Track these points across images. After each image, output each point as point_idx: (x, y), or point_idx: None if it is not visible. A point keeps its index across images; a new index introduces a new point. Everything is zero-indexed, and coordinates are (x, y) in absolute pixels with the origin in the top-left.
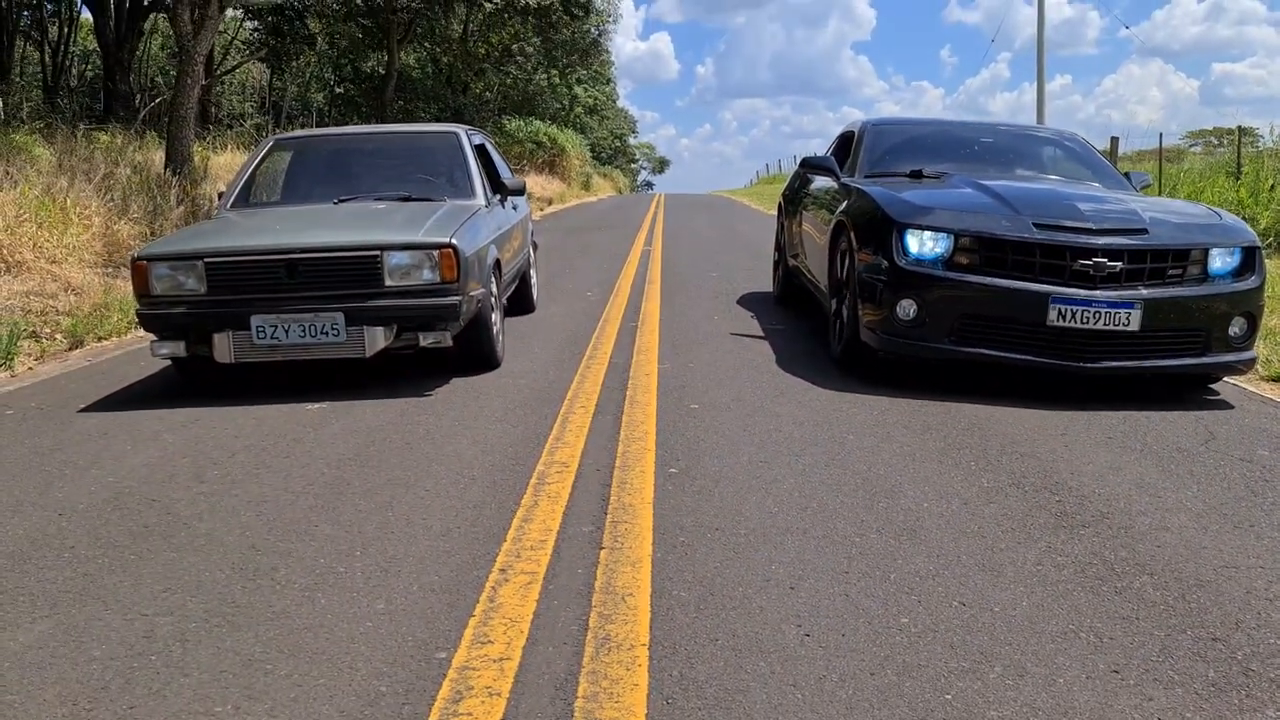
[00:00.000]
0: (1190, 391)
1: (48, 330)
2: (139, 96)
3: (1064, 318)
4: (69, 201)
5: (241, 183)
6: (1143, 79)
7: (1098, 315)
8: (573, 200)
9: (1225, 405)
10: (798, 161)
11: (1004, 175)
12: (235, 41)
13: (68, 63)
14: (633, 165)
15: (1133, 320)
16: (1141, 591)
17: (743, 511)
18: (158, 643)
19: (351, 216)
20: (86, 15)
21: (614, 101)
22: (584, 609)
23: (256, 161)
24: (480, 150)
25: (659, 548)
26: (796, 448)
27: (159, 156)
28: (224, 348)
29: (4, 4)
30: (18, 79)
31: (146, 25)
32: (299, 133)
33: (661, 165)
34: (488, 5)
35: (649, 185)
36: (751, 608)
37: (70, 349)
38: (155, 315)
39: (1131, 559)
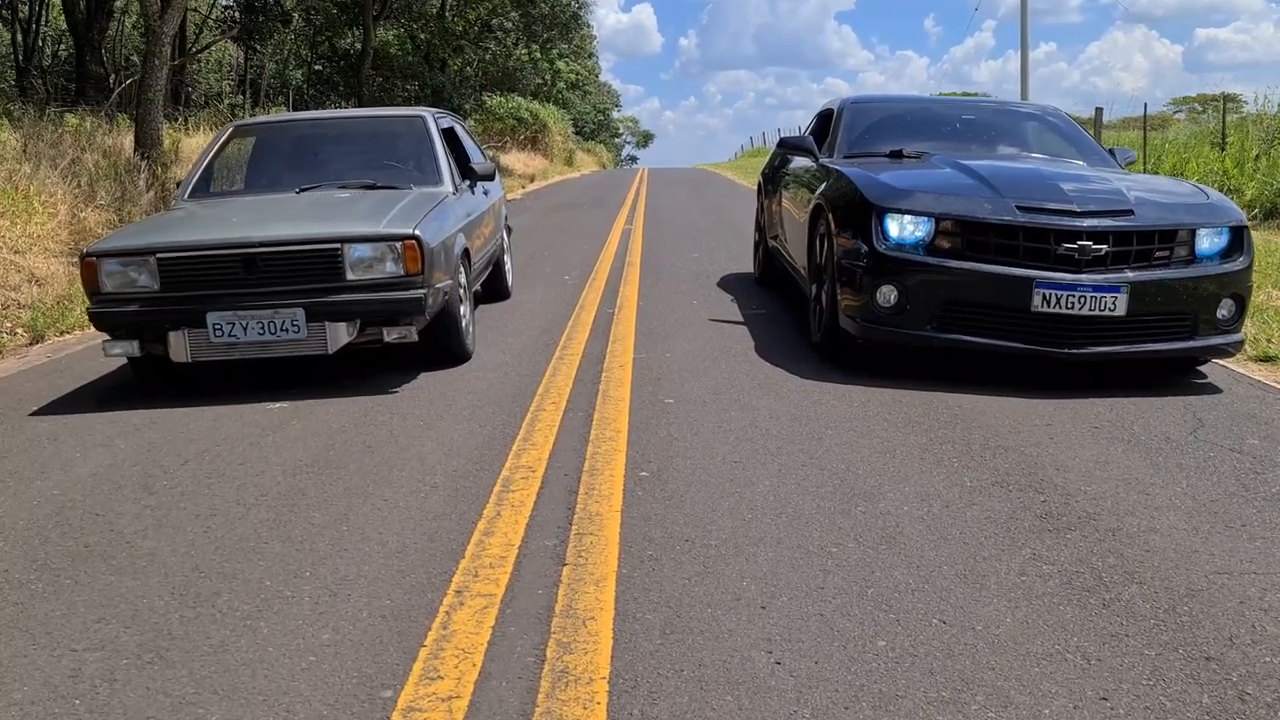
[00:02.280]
0: (1177, 375)
1: (8, 325)
2: (113, 77)
3: (1049, 303)
4: (33, 189)
5: (200, 171)
6: (1127, 45)
7: (1083, 300)
8: (556, 176)
9: (1213, 389)
10: (778, 138)
11: (985, 153)
12: (209, 20)
13: (40, 43)
14: (616, 140)
15: (1119, 304)
16: (1131, 604)
17: (715, 519)
18: (84, 683)
19: (312, 206)
20: None
21: (596, 76)
22: (542, 636)
23: (215, 149)
24: (449, 134)
25: (625, 563)
26: (773, 445)
27: (130, 140)
28: (179, 347)
29: None
30: None
31: (119, 4)
32: (260, 118)
33: (645, 139)
34: None
35: (633, 159)
36: (720, 630)
37: (31, 344)
38: (107, 314)
39: (1120, 566)
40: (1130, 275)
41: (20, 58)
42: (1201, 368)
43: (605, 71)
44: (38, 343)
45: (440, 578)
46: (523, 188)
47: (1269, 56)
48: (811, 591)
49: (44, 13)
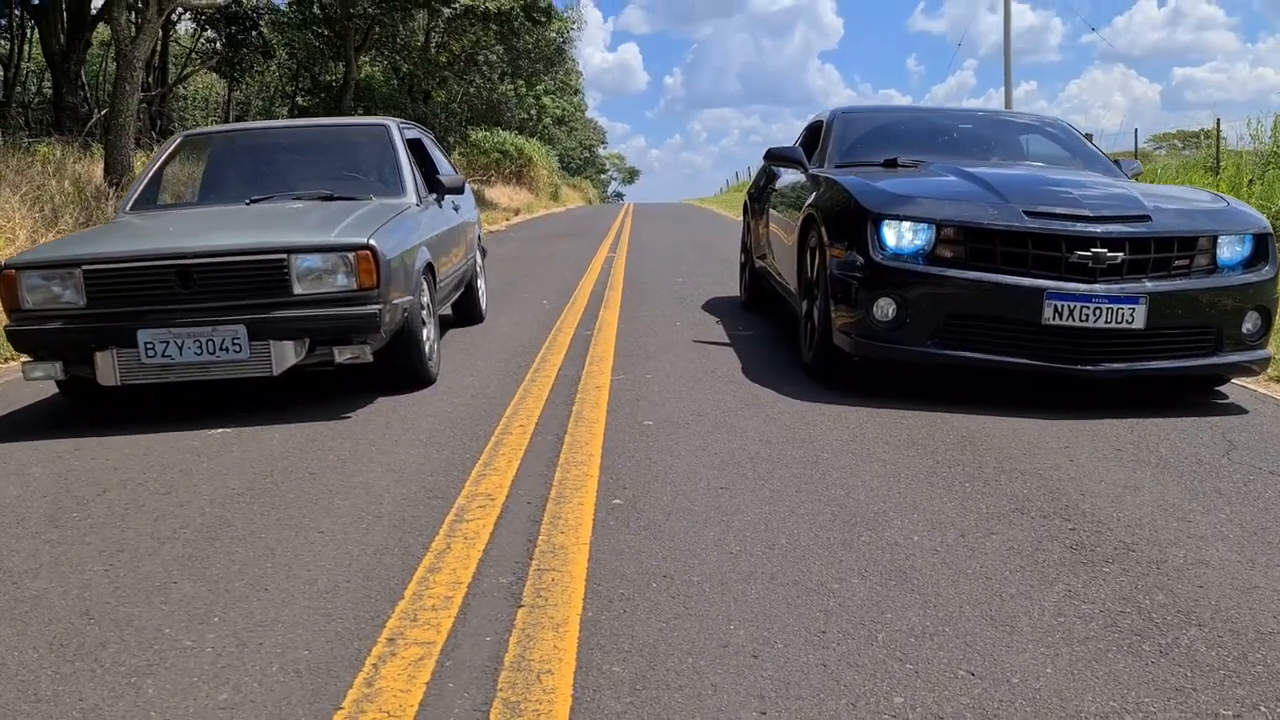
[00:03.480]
0: (1196, 395)
1: None
2: (93, 110)
3: (1060, 315)
4: None
5: (144, 183)
6: (1106, 84)
7: (1098, 312)
8: (541, 210)
9: (1239, 410)
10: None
11: (984, 164)
12: (192, 54)
13: (23, 78)
14: (602, 176)
15: (1137, 317)
16: (1192, 650)
17: (697, 552)
18: None
19: (260, 217)
20: None
21: (583, 112)
22: (486, 694)
23: (162, 159)
24: (415, 145)
25: (591, 604)
26: (763, 469)
27: (101, 168)
28: (107, 368)
29: None
30: None
31: (99, 38)
32: (213, 128)
33: (631, 176)
34: (445, 10)
35: (619, 196)
36: (703, 687)
37: None
38: (27, 332)
39: (1172, 604)
40: (1149, 285)
41: (1, 92)
42: (1221, 387)
43: (591, 109)
44: None
45: (372, 622)
46: (507, 220)
47: (1244, 95)
48: (811, 637)
49: (26, 48)
